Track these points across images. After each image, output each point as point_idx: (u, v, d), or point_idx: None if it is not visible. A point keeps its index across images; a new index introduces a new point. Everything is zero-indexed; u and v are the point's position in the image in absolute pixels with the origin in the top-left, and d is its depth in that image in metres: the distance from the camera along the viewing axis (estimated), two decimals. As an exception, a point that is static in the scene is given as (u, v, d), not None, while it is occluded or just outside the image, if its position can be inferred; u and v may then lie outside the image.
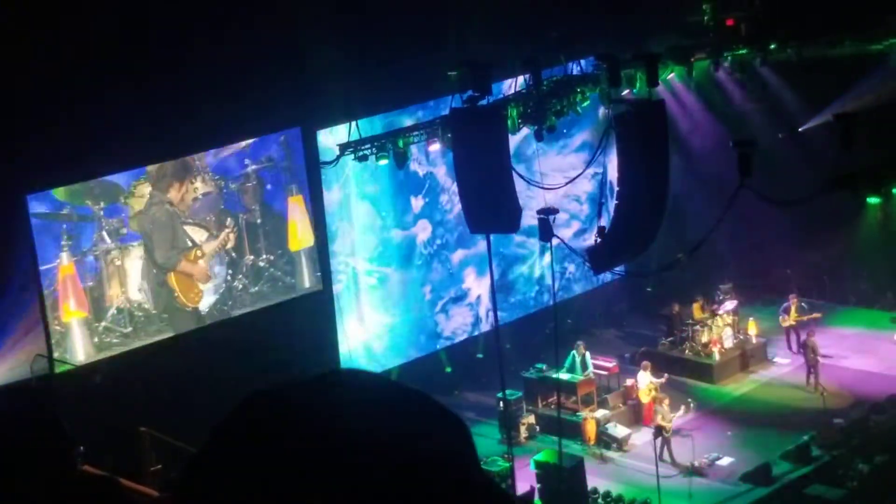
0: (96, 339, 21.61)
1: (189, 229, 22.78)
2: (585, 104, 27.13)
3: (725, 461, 24.28)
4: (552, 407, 26.00)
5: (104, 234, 21.35)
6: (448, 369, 28.63)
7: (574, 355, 26.92)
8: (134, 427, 17.82)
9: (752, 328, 29.30)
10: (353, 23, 23.98)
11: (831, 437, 24.40)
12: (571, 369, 26.85)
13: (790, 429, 24.99)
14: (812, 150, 28.99)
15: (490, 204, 22.41)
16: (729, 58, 28.24)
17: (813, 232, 30.21)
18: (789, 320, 29.03)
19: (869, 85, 27.56)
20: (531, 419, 26.48)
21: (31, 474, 3.57)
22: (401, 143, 25.39)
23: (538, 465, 23.80)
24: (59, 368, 21.21)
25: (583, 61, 26.91)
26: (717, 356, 28.35)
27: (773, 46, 27.12)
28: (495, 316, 25.51)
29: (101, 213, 21.27)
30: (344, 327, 26.48)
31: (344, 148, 24.78)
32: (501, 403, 25.69)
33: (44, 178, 21.00)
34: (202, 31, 21.80)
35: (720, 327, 28.80)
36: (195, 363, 22.02)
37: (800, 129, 30.31)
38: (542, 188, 26.14)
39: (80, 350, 21.36)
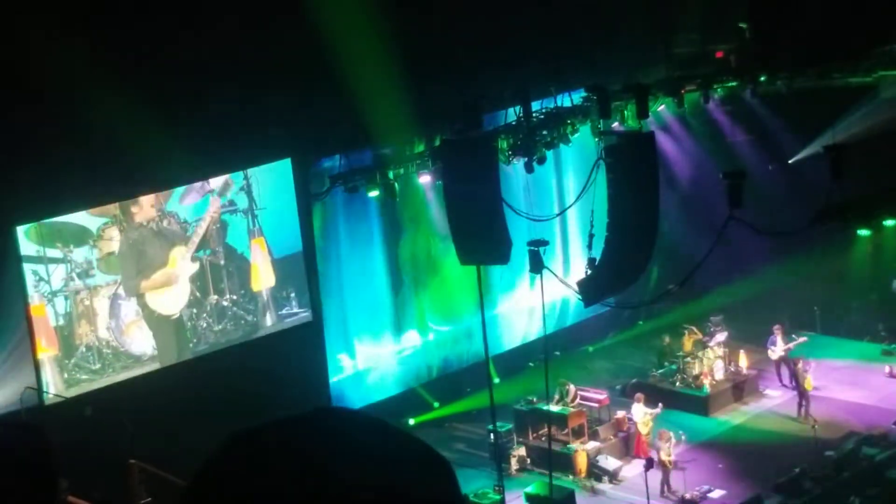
0: (66, 375, 22.03)
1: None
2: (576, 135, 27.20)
3: (717, 494, 24.20)
4: (543, 439, 25.93)
5: (74, 275, 21.88)
6: (436, 405, 28.58)
7: (562, 391, 26.82)
8: (123, 460, 17.71)
9: (743, 360, 29.25)
10: (343, 55, 24.00)
11: (823, 470, 24.34)
12: (559, 402, 26.77)
13: (782, 461, 24.91)
14: (802, 181, 29.02)
15: (481, 235, 22.41)
16: (719, 90, 28.32)
17: (803, 264, 30.22)
18: (778, 351, 29.00)
19: (859, 116, 27.65)
20: (522, 451, 26.39)
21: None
22: (391, 175, 25.42)
23: (529, 498, 23.73)
24: (48, 401, 21.22)
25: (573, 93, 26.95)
26: (707, 388, 28.29)
27: (762, 78, 27.18)
28: (485, 347, 25.47)
29: (71, 255, 21.81)
30: (335, 358, 26.55)
31: (335, 180, 24.81)
32: (492, 436, 25.61)
33: (33, 210, 21.06)
34: (193, 62, 21.81)
35: (711, 359, 28.76)
36: (186, 395, 22.00)
37: (790, 161, 30.38)
38: (532, 220, 26.15)
39: (50, 385, 21.73)
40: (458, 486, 2.25)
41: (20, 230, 21.22)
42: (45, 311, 21.61)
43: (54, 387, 21.69)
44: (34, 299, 21.42)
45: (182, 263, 23.35)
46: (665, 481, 24.50)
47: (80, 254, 21.97)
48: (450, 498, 2.22)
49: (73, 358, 22.05)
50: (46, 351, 21.72)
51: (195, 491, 2.17)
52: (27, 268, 21.37)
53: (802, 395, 27.32)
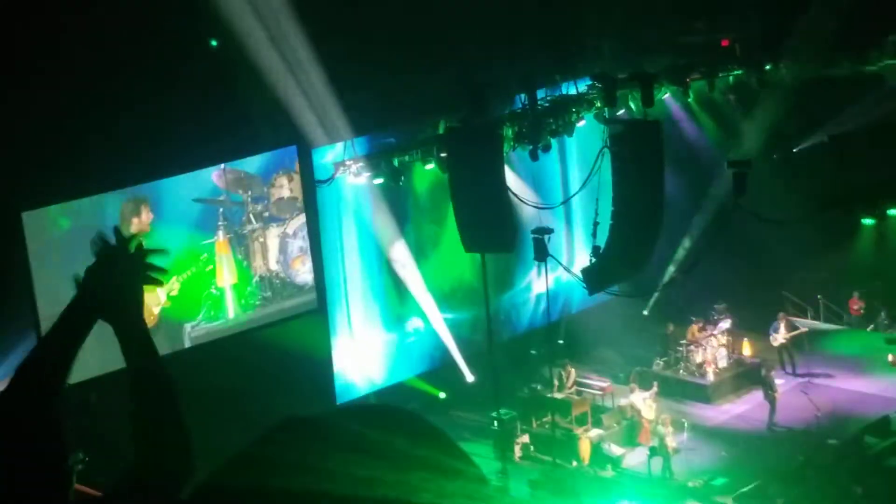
0: (242, 301, 24.89)
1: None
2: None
3: (720, 481, 24.24)
4: (547, 426, 25.98)
5: (251, 216, 24.67)
6: (441, 394, 28.56)
7: (561, 374, 26.88)
8: (129, 447, 17.75)
9: (747, 348, 29.27)
10: (348, 42, 24.02)
11: (825, 459, 24.37)
12: (558, 387, 26.84)
13: (784, 449, 24.96)
14: (807, 170, 28.99)
15: (485, 223, 22.43)
16: (724, 78, 28.29)
17: (807, 252, 30.23)
18: (780, 339, 29.00)
19: (864, 106, 27.60)
20: (525, 439, 26.44)
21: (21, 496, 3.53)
22: (395, 162, 25.43)
23: (533, 485, 23.77)
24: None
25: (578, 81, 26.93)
26: (711, 376, 28.31)
27: (768, 67, 27.16)
28: (489, 335, 25.54)
29: (249, 199, 24.61)
30: (336, 344, 26.59)
31: (339, 166, 24.85)
32: (496, 423, 25.65)
33: (39, 195, 21.11)
34: (195, 50, 21.90)
35: (714, 347, 28.76)
36: (190, 383, 21.87)
37: (795, 150, 30.34)
38: (537, 207, 26.18)
39: (230, 310, 24.54)
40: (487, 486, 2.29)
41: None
42: (228, 247, 24.49)
43: (232, 311, 24.52)
44: (219, 236, 24.19)
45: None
46: (668, 468, 24.55)
47: (256, 199, 24.74)
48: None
49: (249, 286, 24.90)
50: (229, 280, 24.63)
51: (242, 467, 2.20)
52: (215, 209, 23.88)
53: (769, 400, 26.89)
